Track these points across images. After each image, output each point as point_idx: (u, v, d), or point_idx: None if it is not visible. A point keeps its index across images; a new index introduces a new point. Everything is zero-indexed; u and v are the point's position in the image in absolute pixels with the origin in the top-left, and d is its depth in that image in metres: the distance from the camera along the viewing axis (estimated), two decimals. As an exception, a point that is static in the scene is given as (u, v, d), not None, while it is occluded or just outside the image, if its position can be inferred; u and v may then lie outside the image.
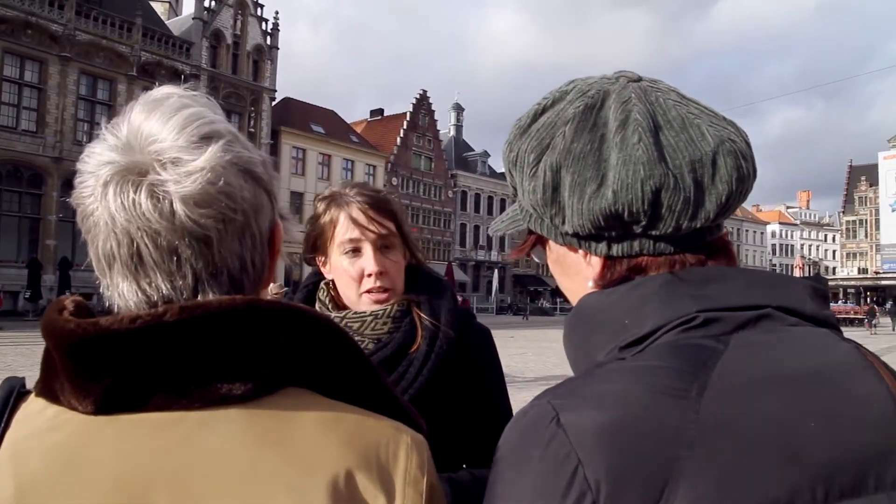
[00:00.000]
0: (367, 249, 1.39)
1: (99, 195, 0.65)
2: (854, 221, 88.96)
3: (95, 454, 0.62)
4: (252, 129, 38.88)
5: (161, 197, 0.64)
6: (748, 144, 0.71)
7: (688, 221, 0.68)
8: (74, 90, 30.69)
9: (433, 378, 1.35)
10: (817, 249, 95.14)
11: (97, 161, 0.66)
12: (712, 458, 0.55)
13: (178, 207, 0.64)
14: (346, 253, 1.40)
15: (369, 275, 1.39)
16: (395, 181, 51.17)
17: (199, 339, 0.63)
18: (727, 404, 0.57)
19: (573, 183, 0.69)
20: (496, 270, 53.46)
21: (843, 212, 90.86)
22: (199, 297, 0.66)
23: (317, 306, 1.43)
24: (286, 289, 1.65)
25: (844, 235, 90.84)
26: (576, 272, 0.76)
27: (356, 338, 1.31)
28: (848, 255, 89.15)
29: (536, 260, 0.84)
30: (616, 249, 0.71)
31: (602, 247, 0.72)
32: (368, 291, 1.40)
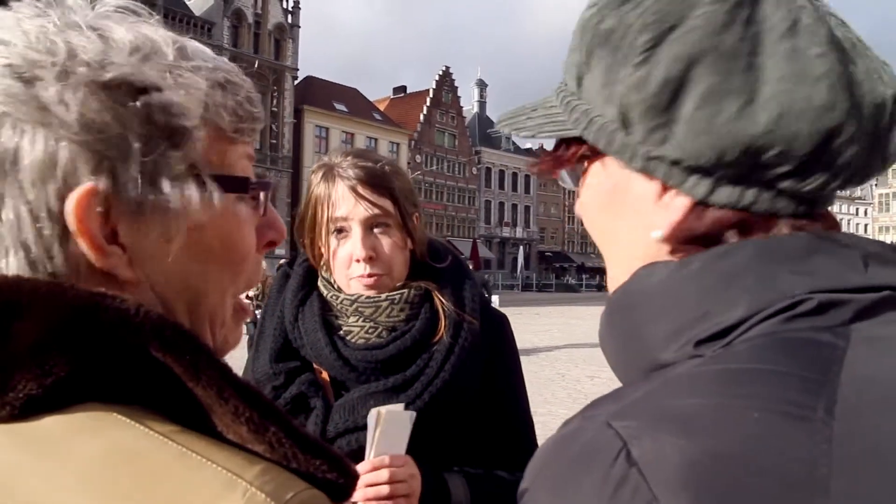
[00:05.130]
0: (356, 231, 1.21)
1: None
2: (887, 194, 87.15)
3: None
4: (275, 109, 39.02)
5: None
6: None
7: (840, 182, 0.50)
8: (100, 72, 30.92)
9: (457, 374, 1.21)
10: (849, 223, 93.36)
11: None
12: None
13: None
14: (334, 233, 1.23)
15: (357, 260, 1.22)
16: (418, 158, 51.08)
17: None
18: (869, 426, 0.42)
19: (710, 91, 0.48)
20: (521, 247, 53.35)
21: (876, 185, 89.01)
22: None
23: (320, 284, 1.29)
24: (283, 260, 1.43)
25: (877, 209, 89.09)
26: (636, 211, 0.55)
27: (367, 324, 1.21)
28: (880, 228, 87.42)
29: (564, 184, 0.63)
30: (721, 195, 0.51)
31: (704, 186, 0.51)
32: (357, 277, 1.23)
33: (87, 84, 0.48)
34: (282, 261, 1.48)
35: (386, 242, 1.23)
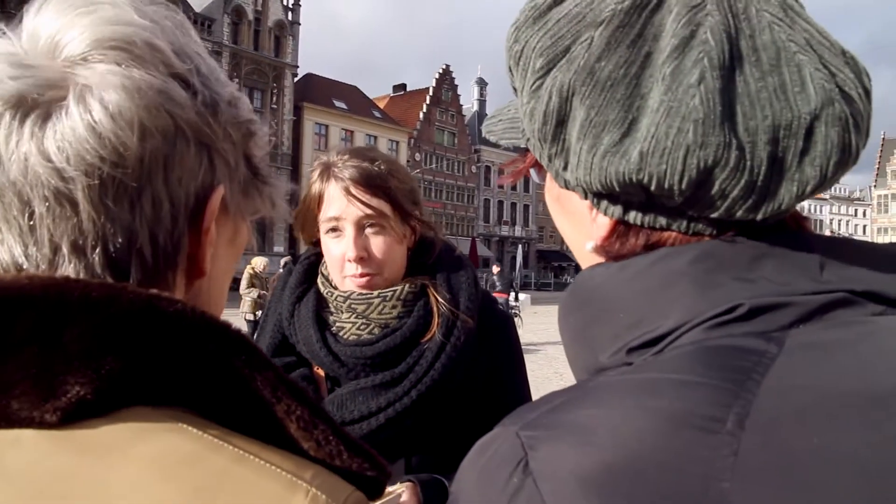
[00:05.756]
0: (348, 230, 1.21)
1: None
2: (886, 196, 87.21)
3: None
4: (274, 106, 39.01)
5: (19, 123, 0.46)
6: (867, 95, 0.46)
7: (745, 212, 0.46)
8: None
9: (447, 373, 1.19)
10: (847, 224, 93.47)
11: None
12: None
13: (26, 148, 0.46)
14: (328, 232, 1.24)
15: (349, 259, 1.21)
16: (417, 156, 51.08)
17: None
18: (782, 439, 0.39)
19: (587, 122, 0.47)
20: (520, 246, 53.35)
21: (875, 186, 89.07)
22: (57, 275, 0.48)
23: (319, 282, 1.30)
24: (287, 257, 1.41)
25: (876, 210, 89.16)
26: (576, 222, 0.56)
27: (359, 321, 1.21)
28: (879, 230, 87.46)
29: (536, 180, 0.62)
30: (634, 217, 0.50)
31: (615, 209, 0.51)
32: (349, 276, 1.23)
33: (221, 96, 0.53)
34: (285, 258, 1.48)
35: (378, 242, 1.22)
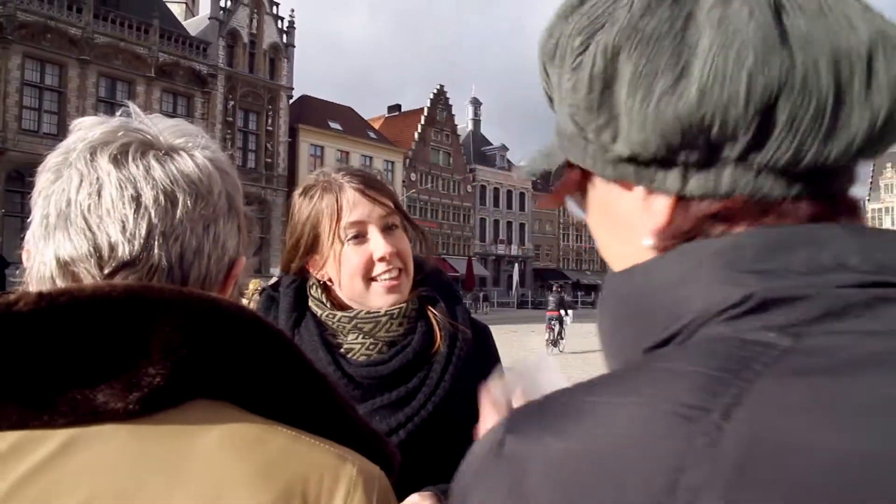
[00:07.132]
0: (374, 231, 1.23)
1: (82, 149, 0.62)
2: (880, 210, 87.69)
3: None
4: (270, 128, 39.13)
5: (142, 152, 0.62)
6: None
7: (818, 146, 0.43)
8: (94, 93, 31.02)
9: (456, 382, 1.24)
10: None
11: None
12: None
13: (151, 161, 0.61)
14: (350, 240, 1.23)
15: (381, 258, 1.22)
16: (413, 176, 51.20)
17: (62, 336, 0.51)
18: (775, 429, 0.36)
19: (637, 74, 0.45)
20: (516, 265, 53.38)
21: (869, 200, 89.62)
22: (144, 255, 0.58)
23: (311, 305, 1.29)
24: (266, 284, 1.41)
25: (870, 224, 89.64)
26: (627, 225, 0.51)
27: (367, 341, 1.23)
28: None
29: (573, 213, 0.60)
30: (694, 184, 0.46)
31: (673, 179, 0.47)
32: (378, 278, 1.24)
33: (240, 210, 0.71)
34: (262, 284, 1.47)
35: (402, 242, 1.26)
